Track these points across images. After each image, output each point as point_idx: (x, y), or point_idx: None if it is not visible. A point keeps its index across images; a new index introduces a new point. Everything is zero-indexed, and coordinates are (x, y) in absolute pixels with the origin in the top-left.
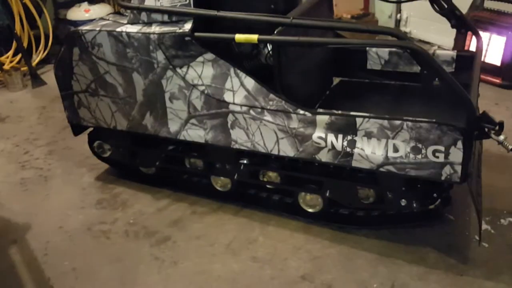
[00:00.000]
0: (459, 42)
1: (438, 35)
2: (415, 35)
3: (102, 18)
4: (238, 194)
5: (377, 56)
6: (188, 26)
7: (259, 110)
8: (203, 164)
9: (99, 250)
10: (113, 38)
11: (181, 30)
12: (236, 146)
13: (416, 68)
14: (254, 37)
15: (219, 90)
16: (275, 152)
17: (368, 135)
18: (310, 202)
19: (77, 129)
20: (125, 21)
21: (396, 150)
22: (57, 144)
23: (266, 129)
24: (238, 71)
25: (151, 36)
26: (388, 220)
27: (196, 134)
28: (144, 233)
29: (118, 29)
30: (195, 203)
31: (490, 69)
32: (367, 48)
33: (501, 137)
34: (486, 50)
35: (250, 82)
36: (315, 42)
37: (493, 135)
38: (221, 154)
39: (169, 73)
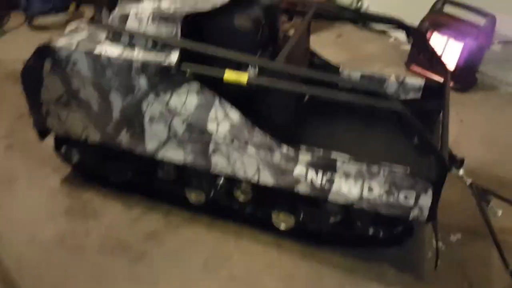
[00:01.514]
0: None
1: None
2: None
3: (76, 28)
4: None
5: (349, 78)
6: (174, 55)
7: (243, 143)
8: (177, 177)
9: (75, 267)
10: (91, 59)
11: (167, 63)
12: (216, 171)
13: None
14: (243, 79)
15: (202, 120)
16: (254, 180)
17: (347, 175)
18: (283, 220)
19: (43, 134)
20: (103, 35)
21: (370, 190)
22: (16, 137)
23: (248, 159)
24: (224, 101)
25: (134, 63)
26: (354, 241)
27: (175, 155)
28: (120, 249)
29: (97, 50)
30: (168, 213)
31: None
32: (340, 69)
33: (461, 172)
34: (442, 54)
35: (235, 114)
36: (305, 91)
37: (454, 170)
38: (198, 172)
39: (151, 97)
